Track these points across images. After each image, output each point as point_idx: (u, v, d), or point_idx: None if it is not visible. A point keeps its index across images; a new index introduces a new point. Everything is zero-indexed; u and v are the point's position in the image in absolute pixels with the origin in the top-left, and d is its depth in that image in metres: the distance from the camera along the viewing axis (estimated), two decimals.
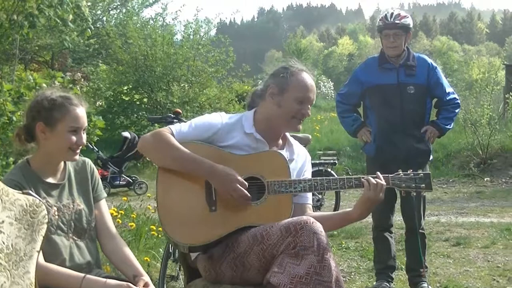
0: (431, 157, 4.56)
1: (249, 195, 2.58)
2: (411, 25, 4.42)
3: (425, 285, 4.41)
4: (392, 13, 4.41)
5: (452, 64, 49.78)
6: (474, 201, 9.47)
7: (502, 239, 6.32)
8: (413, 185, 2.67)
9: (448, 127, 4.50)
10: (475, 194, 10.28)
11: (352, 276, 5.13)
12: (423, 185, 2.68)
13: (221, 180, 2.58)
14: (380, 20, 4.49)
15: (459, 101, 4.56)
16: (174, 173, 2.65)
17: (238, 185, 2.56)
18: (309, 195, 2.90)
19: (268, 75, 2.90)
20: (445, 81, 4.52)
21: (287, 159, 2.77)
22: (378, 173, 2.68)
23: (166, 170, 2.68)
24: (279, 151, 2.78)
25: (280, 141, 2.89)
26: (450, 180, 11.67)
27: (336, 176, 2.56)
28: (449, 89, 4.50)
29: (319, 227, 2.40)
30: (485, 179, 11.46)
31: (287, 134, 2.94)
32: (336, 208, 7.21)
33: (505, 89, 15.04)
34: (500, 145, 12.52)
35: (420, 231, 4.45)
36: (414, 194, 2.73)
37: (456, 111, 4.57)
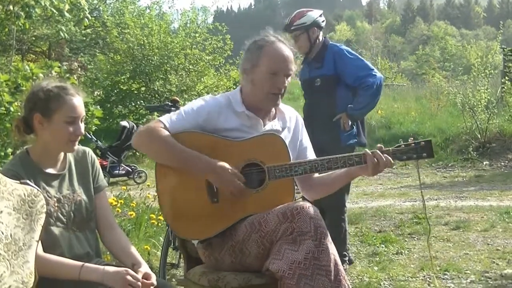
0: (362, 140, 4.56)
1: (244, 188, 2.52)
2: (311, 21, 4.39)
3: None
4: (290, 17, 4.50)
5: (450, 49, 49.65)
6: (473, 185, 9.48)
7: (502, 222, 6.33)
8: (415, 155, 2.62)
9: (360, 110, 4.42)
10: (474, 178, 10.29)
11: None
12: (425, 154, 2.63)
13: (218, 177, 2.51)
14: None
15: (371, 80, 4.34)
16: (173, 169, 2.60)
17: (236, 180, 2.50)
18: (312, 155, 2.85)
19: (244, 50, 2.76)
20: (356, 65, 4.38)
21: (282, 128, 2.73)
22: (381, 145, 2.60)
23: (164, 166, 2.62)
24: (277, 134, 2.67)
25: (273, 111, 2.78)
26: (449, 165, 11.68)
27: None
28: (361, 72, 4.36)
29: (315, 211, 2.39)
30: (484, 163, 11.47)
31: None
32: None
33: (503, 73, 14.99)
34: (499, 129, 12.52)
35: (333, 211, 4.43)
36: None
37: (368, 92, 4.35)
